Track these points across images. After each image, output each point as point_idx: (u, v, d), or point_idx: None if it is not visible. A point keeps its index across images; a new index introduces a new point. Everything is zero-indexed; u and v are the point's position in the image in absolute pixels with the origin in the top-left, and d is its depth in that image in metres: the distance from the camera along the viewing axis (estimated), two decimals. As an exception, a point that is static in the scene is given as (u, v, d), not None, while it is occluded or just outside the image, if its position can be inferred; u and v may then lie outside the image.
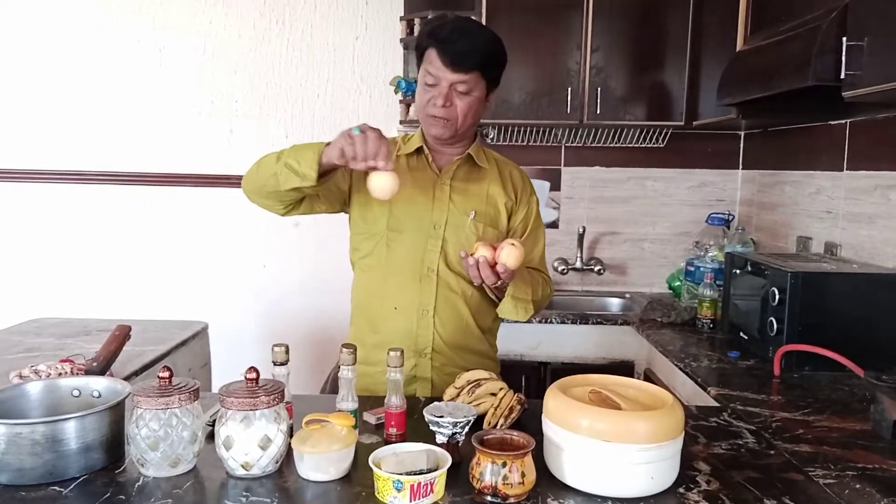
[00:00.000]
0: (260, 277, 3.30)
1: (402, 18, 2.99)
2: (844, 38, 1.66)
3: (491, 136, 3.08)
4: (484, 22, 2.81)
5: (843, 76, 1.66)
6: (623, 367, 2.66)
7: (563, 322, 2.71)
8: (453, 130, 1.56)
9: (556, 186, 3.23)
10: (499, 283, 1.46)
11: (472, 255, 1.43)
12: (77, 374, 1.54)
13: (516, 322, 1.66)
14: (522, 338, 2.71)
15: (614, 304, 3.17)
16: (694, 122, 2.84)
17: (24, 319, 2.30)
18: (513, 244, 1.40)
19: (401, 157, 1.64)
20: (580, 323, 2.71)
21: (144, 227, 3.24)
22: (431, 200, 1.61)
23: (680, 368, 2.03)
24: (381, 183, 1.38)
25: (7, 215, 3.25)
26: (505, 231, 1.67)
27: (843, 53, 1.66)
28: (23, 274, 3.25)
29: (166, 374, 1.15)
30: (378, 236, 1.61)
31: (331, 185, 1.58)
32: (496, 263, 1.41)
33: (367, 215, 1.62)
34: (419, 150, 1.64)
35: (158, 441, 1.11)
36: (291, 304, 3.28)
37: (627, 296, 3.17)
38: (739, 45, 2.39)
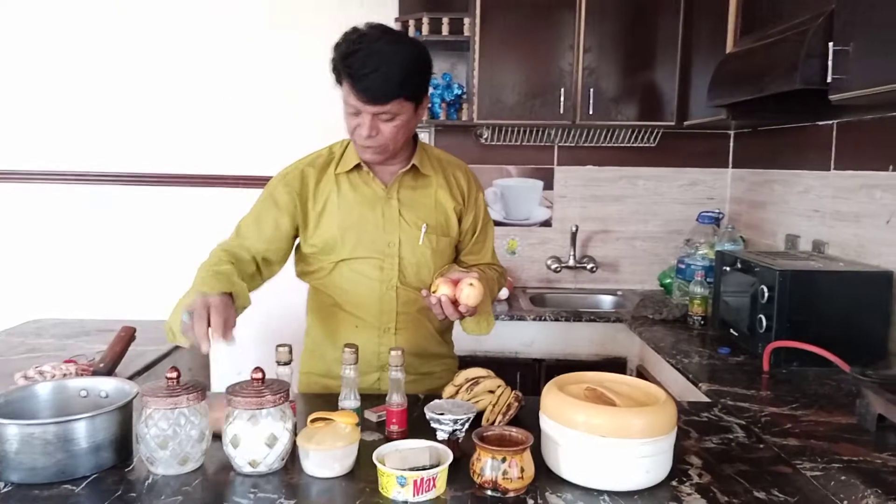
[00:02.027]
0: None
1: (396, 20, 3.01)
2: (831, 43, 1.70)
3: (485, 137, 3.11)
4: (478, 23, 2.85)
5: (829, 80, 1.71)
6: (616, 364, 2.71)
7: (556, 319, 2.75)
8: (387, 154, 1.52)
9: (549, 186, 3.26)
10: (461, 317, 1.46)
11: (433, 292, 1.43)
12: (82, 374, 1.57)
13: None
14: (517, 335, 2.75)
15: (607, 301, 3.22)
16: (685, 122, 2.88)
17: (23, 320, 2.32)
18: (471, 284, 1.41)
19: (340, 176, 1.59)
20: (573, 320, 2.75)
21: (143, 228, 3.25)
22: (381, 219, 1.57)
23: (671, 364, 2.07)
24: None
25: (5, 216, 3.26)
26: (457, 235, 1.66)
27: (830, 58, 1.70)
28: (22, 275, 3.26)
29: (174, 374, 1.18)
30: (333, 264, 1.59)
31: (282, 245, 1.59)
32: (457, 300, 1.42)
33: (317, 251, 1.59)
34: (358, 166, 1.58)
35: (167, 440, 1.14)
36: (291, 305, 3.29)
37: (619, 293, 3.22)
38: (729, 48, 2.43)
